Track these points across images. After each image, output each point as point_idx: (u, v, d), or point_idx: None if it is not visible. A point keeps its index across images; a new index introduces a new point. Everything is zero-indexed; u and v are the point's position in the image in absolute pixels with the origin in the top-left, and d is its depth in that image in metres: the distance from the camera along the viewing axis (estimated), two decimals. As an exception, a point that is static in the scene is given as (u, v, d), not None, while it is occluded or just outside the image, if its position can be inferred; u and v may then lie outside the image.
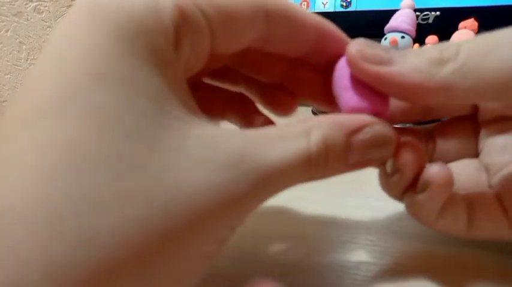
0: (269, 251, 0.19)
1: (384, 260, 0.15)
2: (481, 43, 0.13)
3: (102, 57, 0.10)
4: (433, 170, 0.14)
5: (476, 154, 0.19)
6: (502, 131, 0.18)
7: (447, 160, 0.19)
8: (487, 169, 0.18)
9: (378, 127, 0.13)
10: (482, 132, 0.19)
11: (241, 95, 0.20)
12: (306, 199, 0.24)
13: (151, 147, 0.10)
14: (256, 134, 0.12)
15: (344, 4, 0.43)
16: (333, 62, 0.15)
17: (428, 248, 0.19)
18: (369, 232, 0.21)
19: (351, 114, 0.14)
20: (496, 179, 0.17)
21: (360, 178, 0.29)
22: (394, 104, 0.15)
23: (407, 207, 0.16)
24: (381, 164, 0.16)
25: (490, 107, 0.18)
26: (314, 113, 0.48)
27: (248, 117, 0.19)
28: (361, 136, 0.13)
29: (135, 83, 0.10)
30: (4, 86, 0.46)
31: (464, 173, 0.18)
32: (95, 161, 0.09)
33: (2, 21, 0.45)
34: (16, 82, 0.47)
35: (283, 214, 0.23)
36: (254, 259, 0.19)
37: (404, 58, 0.13)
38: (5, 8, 0.45)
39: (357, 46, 0.14)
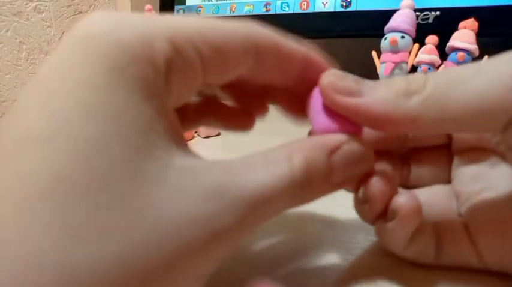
0: (269, 251, 0.19)
1: (384, 260, 0.15)
2: (448, 76, 0.13)
3: (91, 88, 0.10)
4: (401, 200, 0.15)
5: (449, 180, 0.20)
6: (473, 160, 0.18)
7: (421, 184, 0.20)
8: (457, 196, 0.18)
9: (353, 144, 0.14)
10: (455, 161, 0.19)
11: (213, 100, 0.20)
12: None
13: (134, 178, 0.10)
14: (238, 163, 0.12)
15: (344, 4, 0.43)
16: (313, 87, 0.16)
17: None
18: (369, 232, 0.21)
19: (328, 135, 0.14)
20: (464, 207, 0.18)
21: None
22: (370, 132, 0.15)
23: (378, 234, 0.17)
24: (354, 189, 0.16)
25: (461, 137, 0.19)
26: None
27: (224, 118, 0.19)
28: (340, 154, 0.13)
29: (123, 114, 0.10)
30: (4, 85, 0.46)
31: (435, 200, 0.19)
32: (77, 192, 0.09)
33: (2, 21, 0.45)
34: (16, 82, 0.47)
35: (283, 214, 0.23)
36: (254, 259, 0.19)
37: (374, 90, 0.14)
38: (5, 7, 0.45)
39: (329, 78, 0.14)
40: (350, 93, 0.14)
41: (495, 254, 0.16)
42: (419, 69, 0.36)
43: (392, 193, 0.15)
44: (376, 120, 0.14)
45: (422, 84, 0.13)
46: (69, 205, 0.09)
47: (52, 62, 0.11)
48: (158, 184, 0.10)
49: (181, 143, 0.12)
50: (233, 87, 0.18)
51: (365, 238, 0.20)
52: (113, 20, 0.11)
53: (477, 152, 0.18)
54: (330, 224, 0.21)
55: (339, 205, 0.23)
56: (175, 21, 0.12)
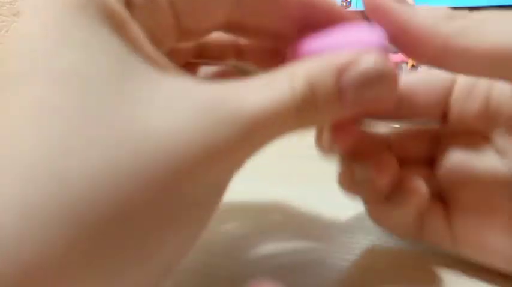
0: (269, 251, 0.19)
1: (384, 260, 0.15)
2: (493, 14, 0.13)
3: (59, 26, 0.10)
4: (416, 183, 0.15)
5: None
6: (461, 146, 0.18)
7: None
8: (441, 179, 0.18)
9: (370, 60, 0.12)
10: (443, 145, 0.18)
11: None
12: (305, 198, 0.24)
13: (118, 100, 0.10)
14: (236, 83, 0.11)
15: (344, 4, 0.43)
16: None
17: (429, 249, 0.19)
18: (369, 232, 0.21)
19: (339, 52, 0.12)
20: (446, 190, 0.17)
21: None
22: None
23: (373, 213, 0.17)
24: (344, 161, 0.16)
25: (456, 119, 0.17)
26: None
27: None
28: (352, 72, 0.12)
29: (95, 44, 0.10)
30: (4, 86, 0.46)
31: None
32: (62, 113, 0.09)
33: (2, 21, 0.45)
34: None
35: (283, 214, 0.23)
36: (254, 259, 0.19)
37: (417, 8, 0.14)
38: (5, 8, 0.45)
39: None
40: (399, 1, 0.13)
41: (469, 241, 0.16)
42: (419, 69, 0.36)
43: (400, 174, 0.15)
44: (411, 35, 0.13)
45: (464, 15, 0.13)
46: (55, 123, 0.09)
47: (24, 13, 0.11)
48: (145, 102, 0.10)
49: (170, 69, 0.12)
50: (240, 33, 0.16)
51: (365, 237, 0.20)
52: None
53: (466, 138, 0.17)
54: (330, 224, 0.21)
55: (338, 204, 0.23)
56: None
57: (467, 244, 0.16)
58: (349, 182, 0.17)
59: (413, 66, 0.36)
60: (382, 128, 0.19)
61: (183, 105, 0.10)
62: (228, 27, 0.15)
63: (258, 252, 0.19)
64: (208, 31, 0.15)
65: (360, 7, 0.42)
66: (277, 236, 0.20)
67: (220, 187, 0.12)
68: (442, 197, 0.17)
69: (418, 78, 0.17)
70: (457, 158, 0.17)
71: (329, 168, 0.30)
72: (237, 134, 0.10)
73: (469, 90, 0.16)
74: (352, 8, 0.42)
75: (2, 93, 0.10)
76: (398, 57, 0.36)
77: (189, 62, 0.18)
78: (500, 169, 0.16)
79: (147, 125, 0.10)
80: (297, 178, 0.29)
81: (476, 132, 0.17)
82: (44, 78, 0.10)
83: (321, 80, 0.12)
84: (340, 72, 0.12)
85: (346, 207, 0.23)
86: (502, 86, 0.16)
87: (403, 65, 0.36)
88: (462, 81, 0.17)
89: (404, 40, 0.14)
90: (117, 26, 0.11)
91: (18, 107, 0.10)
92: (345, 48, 0.13)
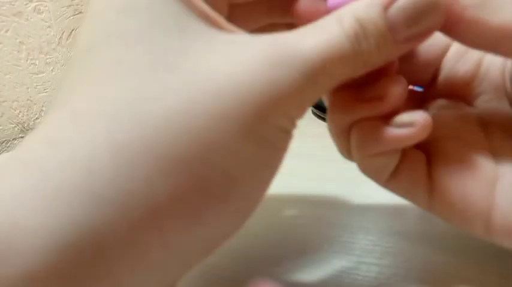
0: (269, 251, 0.19)
1: (384, 260, 0.15)
2: None
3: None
4: (420, 115, 0.14)
5: None
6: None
7: None
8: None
9: None
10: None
11: None
12: (306, 198, 0.24)
13: (181, 51, 0.11)
14: (289, 32, 0.12)
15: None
16: None
17: (428, 248, 0.19)
18: (368, 232, 0.21)
19: None
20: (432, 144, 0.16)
21: (360, 177, 0.29)
22: None
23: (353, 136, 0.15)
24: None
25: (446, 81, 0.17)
26: (314, 113, 0.48)
27: None
28: (399, 5, 0.12)
29: (156, 8, 0.12)
30: (4, 86, 0.46)
31: None
32: (135, 67, 0.11)
33: (2, 21, 0.45)
34: (16, 82, 0.47)
35: (283, 214, 0.23)
36: (254, 259, 0.19)
37: None
38: (5, 8, 0.45)
39: None
40: None
41: (448, 195, 0.14)
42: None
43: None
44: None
45: None
46: (129, 79, 0.11)
47: None
48: (206, 54, 0.11)
49: (227, 28, 0.12)
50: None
51: (365, 237, 0.20)
52: None
53: (451, 99, 0.17)
54: (330, 224, 0.21)
55: (338, 204, 0.23)
56: None
57: (445, 198, 0.14)
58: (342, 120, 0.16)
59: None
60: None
61: (242, 51, 0.11)
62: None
63: (258, 252, 0.19)
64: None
65: None
66: (277, 236, 0.20)
67: (287, 133, 0.12)
68: (425, 148, 0.16)
69: None
70: (441, 111, 0.17)
71: (330, 168, 0.30)
72: (299, 74, 0.11)
73: (463, 53, 0.16)
74: None
75: (82, 58, 0.12)
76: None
77: None
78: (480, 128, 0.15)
79: (211, 69, 0.11)
80: (297, 178, 0.29)
81: (460, 97, 0.17)
82: (116, 42, 0.11)
83: (369, 16, 0.12)
84: (386, 6, 0.12)
85: (346, 207, 0.24)
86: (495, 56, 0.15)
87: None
88: (457, 44, 0.16)
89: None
90: None
91: (98, 67, 0.11)
92: None
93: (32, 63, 0.49)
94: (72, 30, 0.54)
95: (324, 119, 0.44)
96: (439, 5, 0.12)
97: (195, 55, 0.11)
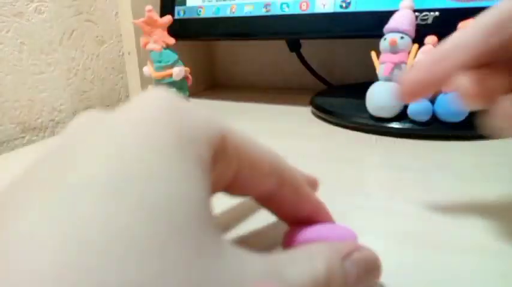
0: (269, 251, 0.19)
1: (385, 260, 0.15)
2: None
3: (159, 155, 0.11)
4: None
5: None
6: None
7: None
8: None
9: (364, 251, 0.15)
10: None
11: None
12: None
13: (196, 248, 0.10)
14: (272, 257, 0.13)
15: (343, 5, 0.43)
16: None
17: (430, 248, 0.19)
18: (369, 232, 0.21)
19: (341, 242, 0.15)
20: None
21: (361, 177, 0.29)
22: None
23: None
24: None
25: None
26: (314, 114, 0.48)
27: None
28: (353, 260, 0.14)
29: (185, 183, 0.11)
30: (5, 86, 0.46)
31: None
32: (140, 251, 0.09)
33: (3, 22, 0.45)
34: (17, 83, 0.47)
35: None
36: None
37: None
38: (6, 8, 0.45)
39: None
40: None
41: None
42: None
43: None
44: None
45: None
46: (134, 263, 0.08)
47: (130, 118, 0.12)
48: (217, 258, 0.10)
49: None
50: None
51: (365, 237, 0.20)
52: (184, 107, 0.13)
53: None
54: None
55: (339, 203, 0.23)
56: (229, 124, 0.14)
57: None
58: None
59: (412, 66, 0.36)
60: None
61: (242, 275, 0.11)
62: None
63: (258, 252, 0.19)
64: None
65: (360, 8, 0.42)
66: (276, 235, 0.20)
67: None
68: None
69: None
70: None
71: (330, 168, 0.30)
72: None
73: None
74: (352, 8, 0.43)
75: (74, 198, 0.09)
76: (397, 57, 0.36)
77: None
78: None
79: (221, 278, 0.10)
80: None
81: None
82: (130, 205, 0.09)
83: (334, 262, 0.13)
84: (345, 257, 0.14)
85: (347, 206, 0.24)
86: None
87: (403, 66, 0.37)
88: None
89: None
90: (204, 173, 0.12)
91: (94, 226, 0.09)
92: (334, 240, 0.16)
93: (33, 64, 0.49)
94: (73, 30, 0.54)
95: (323, 120, 0.44)
96: (379, 266, 0.15)
97: (208, 260, 0.10)
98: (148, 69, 0.43)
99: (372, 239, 0.20)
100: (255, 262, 0.12)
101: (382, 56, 0.38)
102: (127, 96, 0.64)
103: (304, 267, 0.13)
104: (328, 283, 0.13)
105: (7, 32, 0.46)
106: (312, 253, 0.14)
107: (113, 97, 0.62)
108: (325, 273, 0.13)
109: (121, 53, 0.62)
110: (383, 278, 0.15)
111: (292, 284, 0.12)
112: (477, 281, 0.16)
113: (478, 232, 0.20)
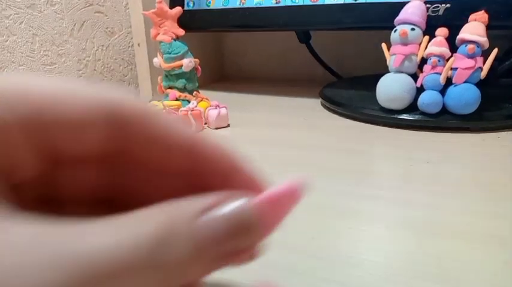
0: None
1: (393, 251, 0.15)
2: None
3: None
4: None
5: None
6: None
7: None
8: None
9: (231, 206, 0.11)
10: None
11: None
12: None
13: None
14: (73, 229, 0.10)
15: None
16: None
17: (438, 239, 0.19)
18: (379, 221, 0.21)
19: (197, 197, 0.11)
20: None
21: (371, 168, 0.29)
22: None
23: None
24: None
25: None
26: (324, 105, 0.48)
27: None
28: (209, 218, 0.10)
29: None
30: (18, 77, 0.47)
31: None
32: None
33: (17, 13, 0.46)
34: (29, 73, 0.48)
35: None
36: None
37: None
38: (19, 0, 0.46)
39: None
40: None
41: None
42: (428, 61, 0.36)
43: None
44: None
45: None
46: None
47: None
48: None
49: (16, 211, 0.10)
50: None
51: (374, 227, 0.20)
52: None
53: None
54: (339, 214, 0.22)
55: (347, 194, 0.23)
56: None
57: None
58: None
59: (423, 58, 0.36)
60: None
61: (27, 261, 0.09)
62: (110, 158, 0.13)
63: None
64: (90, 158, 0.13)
65: (370, -1, 0.42)
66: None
67: None
68: None
69: None
70: None
71: (340, 159, 0.30)
72: (75, 281, 0.09)
73: None
74: (362, 0, 0.42)
75: None
76: (408, 49, 0.36)
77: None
78: None
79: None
80: (306, 168, 0.29)
81: None
82: None
83: (176, 223, 0.10)
84: (196, 216, 0.10)
85: (357, 197, 0.24)
86: None
87: (413, 57, 0.36)
88: None
89: None
90: None
91: None
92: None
93: (44, 55, 0.49)
94: (84, 22, 0.54)
95: (333, 111, 0.44)
96: (256, 229, 0.11)
97: None
98: (158, 61, 0.43)
99: (382, 228, 0.20)
100: (41, 244, 0.09)
101: (392, 48, 0.38)
102: (136, 87, 0.64)
103: (124, 232, 0.10)
104: (165, 253, 0.10)
105: (20, 23, 0.46)
106: (147, 214, 0.10)
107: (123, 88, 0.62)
108: (153, 239, 0.10)
109: (131, 44, 0.62)
110: (392, 266, 0.15)
111: (91, 255, 0.09)
112: (485, 270, 0.17)
113: (487, 221, 0.20)
